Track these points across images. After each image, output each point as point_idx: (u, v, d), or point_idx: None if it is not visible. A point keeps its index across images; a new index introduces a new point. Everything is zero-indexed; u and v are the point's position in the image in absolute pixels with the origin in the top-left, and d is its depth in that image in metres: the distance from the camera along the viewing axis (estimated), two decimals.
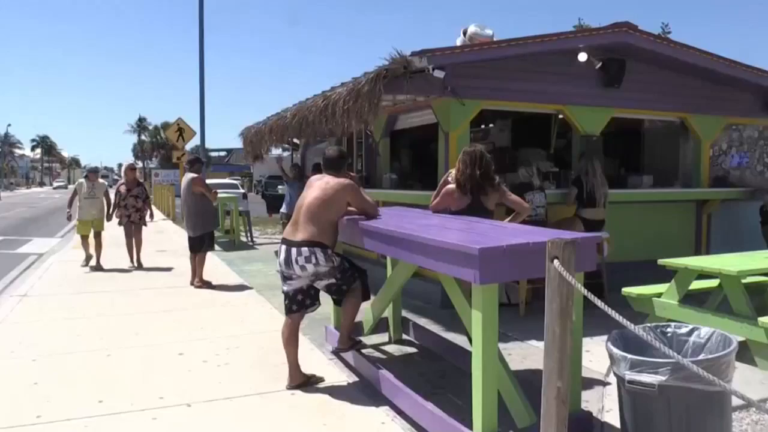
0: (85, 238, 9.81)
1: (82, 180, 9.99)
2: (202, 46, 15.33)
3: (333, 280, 4.16)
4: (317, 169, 9.55)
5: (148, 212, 10.17)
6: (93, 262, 9.64)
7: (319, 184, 4.26)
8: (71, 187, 12.16)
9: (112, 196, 10.01)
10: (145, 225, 10.12)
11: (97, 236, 9.68)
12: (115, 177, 78.95)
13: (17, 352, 5.08)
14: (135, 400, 3.96)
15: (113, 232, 10.63)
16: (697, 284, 4.94)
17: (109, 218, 10.01)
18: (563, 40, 6.78)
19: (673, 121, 8.47)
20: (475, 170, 4.63)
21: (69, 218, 10.20)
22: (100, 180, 10.07)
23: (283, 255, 4.13)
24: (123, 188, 9.83)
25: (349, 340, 4.45)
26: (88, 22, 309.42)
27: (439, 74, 6.13)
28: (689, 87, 7.95)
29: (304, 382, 4.21)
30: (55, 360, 4.84)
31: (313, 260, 4.03)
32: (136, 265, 9.72)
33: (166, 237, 14.67)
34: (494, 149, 8.99)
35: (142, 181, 10.43)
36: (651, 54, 7.27)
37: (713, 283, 5.09)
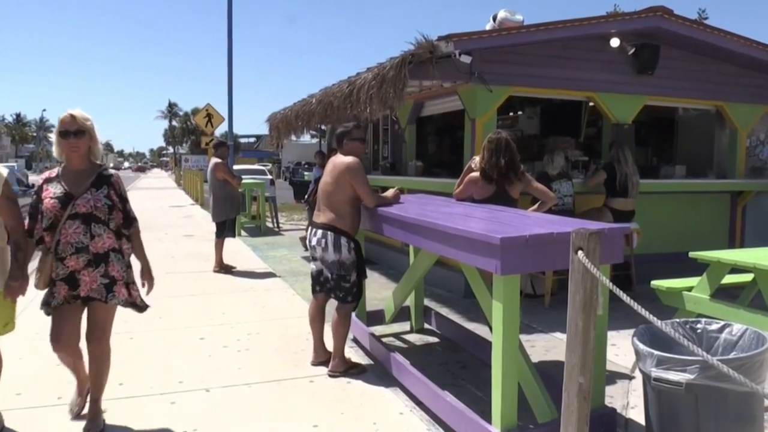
0: None
1: None
2: (231, 32, 15.32)
3: (328, 275, 4.18)
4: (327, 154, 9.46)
5: (142, 276, 3.77)
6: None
7: (328, 167, 4.31)
8: None
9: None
10: (138, 308, 3.74)
11: None
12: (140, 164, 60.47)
13: (41, 333, 5.10)
14: (155, 383, 3.99)
15: None
16: (729, 278, 4.77)
17: (14, 290, 3.29)
18: (594, 25, 6.57)
19: (709, 110, 8.21)
20: (499, 158, 4.52)
21: None
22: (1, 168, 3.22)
23: (309, 235, 4.31)
24: (52, 189, 3.23)
25: (343, 363, 4.19)
26: (121, 10, 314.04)
27: (465, 59, 5.99)
28: (726, 74, 7.67)
29: (328, 360, 4.25)
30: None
31: (323, 244, 4.10)
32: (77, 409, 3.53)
33: (193, 222, 14.80)
34: (522, 137, 8.85)
35: (118, 166, 3.27)
36: (686, 39, 7.01)
37: (747, 277, 4.91)
